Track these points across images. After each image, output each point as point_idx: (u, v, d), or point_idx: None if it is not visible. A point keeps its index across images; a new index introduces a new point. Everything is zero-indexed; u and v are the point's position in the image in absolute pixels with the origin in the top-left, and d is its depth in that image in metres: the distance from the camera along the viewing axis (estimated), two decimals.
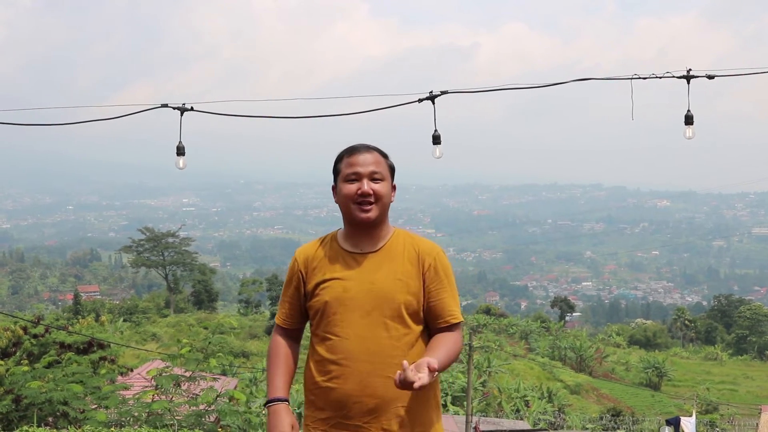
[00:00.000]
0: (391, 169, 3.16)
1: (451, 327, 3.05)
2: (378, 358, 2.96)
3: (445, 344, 2.98)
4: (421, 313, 3.06)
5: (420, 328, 3.05)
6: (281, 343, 3.18)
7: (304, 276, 3.13)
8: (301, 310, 3.17)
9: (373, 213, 3.04)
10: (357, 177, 3.04)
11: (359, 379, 2.94)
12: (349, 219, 3.10)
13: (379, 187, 3.05)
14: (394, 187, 3.17)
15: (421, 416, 3.03)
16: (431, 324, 3.09)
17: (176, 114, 6.68)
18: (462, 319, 3.11)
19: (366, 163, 3.06)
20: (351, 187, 3.04)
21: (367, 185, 3.02)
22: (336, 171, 3.13)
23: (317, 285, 3.07)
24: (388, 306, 2.99)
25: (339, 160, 3.13)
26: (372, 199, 3.03)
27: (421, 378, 2.65)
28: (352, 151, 3.11)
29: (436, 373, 2.75)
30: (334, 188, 3.16)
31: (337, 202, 3.13)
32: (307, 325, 3.24)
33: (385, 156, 3.15)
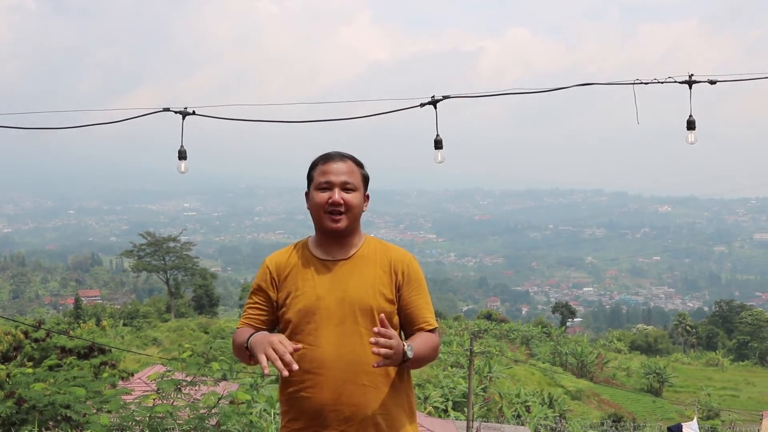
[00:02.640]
0: (365, 179, 3.15)
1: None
2: (353, 366, 2.94)
3: (422, 337, 3.00)
4: (395, 320, 3.06)
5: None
6: (246, 328, 3.12)
7: (277, 283, 3.11)
8: (270, 317, 3.13)
9: (342, 223, 3.03)
10: (329, 186, 3.04)
11: (335, 387, 2.93)
12: (320, 227, 3.10)
13: (351, 197, 3.04)
14: (367, 197, 3.17)
15: (397, 423, 3.02)
16: (406, 330, 3.10)
17: (178, 118, 6.68)
18: (436, 326, 3.09)
19: (339, 172, 3.05)
20: (322, 196, 3.04)
21: (338, 195, 3.02)
22: (309, 178, 3.13)
23: (289, 294, 3.06)
24: (361, 313, 2.98)
25: (313, 167, 3.13)
26: (342, 209, 3.02)
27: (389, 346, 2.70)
28: (326, 159, 3.10)
29: (409, 355, 2.82)
30: (307, 194, 3.16)
31: (308, 208, 3.12)
32: None
33: (359, 165, 3.15)
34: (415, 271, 3.12)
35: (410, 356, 2.82)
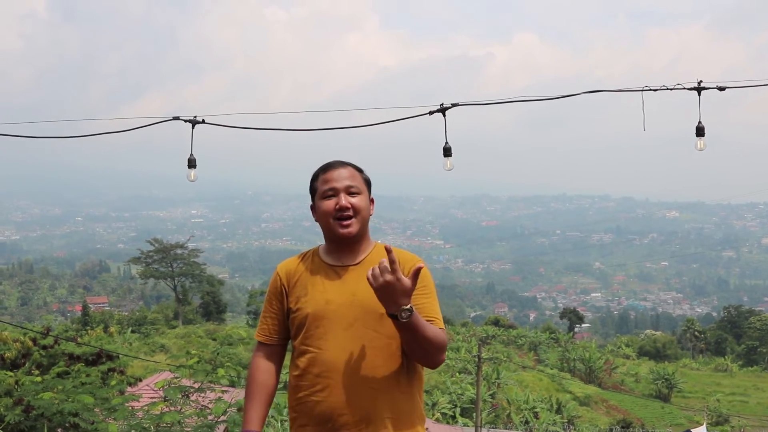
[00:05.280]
0: (368, 183, 3.14)
1: None
2: (362, 370, 2.92)
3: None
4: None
5: None
6: (261, 368, 3.15)
7: (287, 290, 3.11)
8: (284, 325, 3.13)
9: (353, 228, 3.01)
10: (334, 192, 3.02)
11: (344, 391, 2.90)
12: (330, 236, 3.07)
13: (357, 200, 3.03)
14: (372, 201, 3.15)
15: (407, 427, 2.99)
16: None
17: (186, 125, 6.68)
18: (443, 327, 3.02)
19: (341, 177, 3.04)
20: (329, 203, 3.02)
21: (344, 199, 3.00)
22: (313, 190, 3.13)
23: (299, 299, 3.05)
24: (370, 317, 2.95)
25: (315, 178, 3.13)
26: (351, 213, 3.01)
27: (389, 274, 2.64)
28: (326, 168, 3.10)
29: (408, 310, 2.68)
30: (312, 207, 3.14)
31: (317, 220, 3.11)
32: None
33: (360, 170, 3.13)
34: (423, 274, 3.05)
35: (405, 316, 2.69)
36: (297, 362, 3.03)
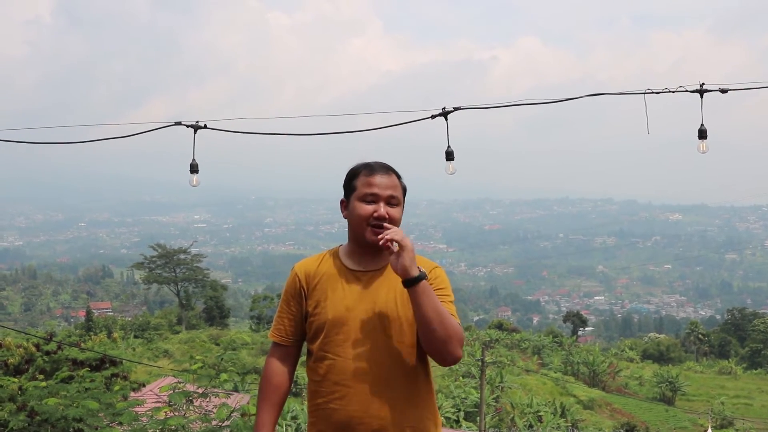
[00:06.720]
0: (404, 192, 3.13)
1: None
2: (381, 379, 2.90)
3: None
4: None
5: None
6: (275, 371, 3.11)
7: (306, 292, 3.06)
8: (300, 327, 3.10)
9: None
10: (374, 199, 2.99)
11: (362, 399, 2.88)
12: (358, 239, 3.04)
13: (395, 212, 3.01)
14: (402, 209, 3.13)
15: None
16: None
17: (189, 130, 6.67)
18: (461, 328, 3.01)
19: (384, 185, 3.01)
20: (367, 208, 2.98)
21: (383, 209, 2.98)
22: (351, 187, 3.07)
23: (318, 303, 3.01)
24: (390, 326, 2.93)
25: (354, 176, 3.07)
26: (386, 224, 2.98)
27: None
28: (371, 170, 3.04)
29: (420, 273, 2.84)
30: (343, 202, 3.11)
31: (346, 217, 3.07)
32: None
33: (399, 178, 3.11)
34: (441, 279, 3.09)
35: (422, 274, 2.84)
36: (316, 368, 3.00)
